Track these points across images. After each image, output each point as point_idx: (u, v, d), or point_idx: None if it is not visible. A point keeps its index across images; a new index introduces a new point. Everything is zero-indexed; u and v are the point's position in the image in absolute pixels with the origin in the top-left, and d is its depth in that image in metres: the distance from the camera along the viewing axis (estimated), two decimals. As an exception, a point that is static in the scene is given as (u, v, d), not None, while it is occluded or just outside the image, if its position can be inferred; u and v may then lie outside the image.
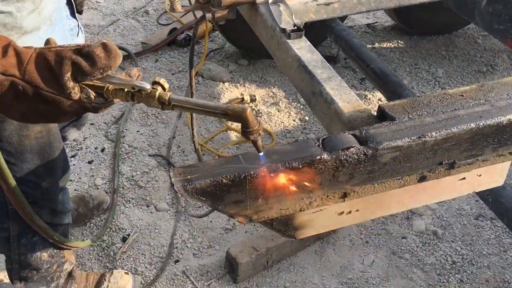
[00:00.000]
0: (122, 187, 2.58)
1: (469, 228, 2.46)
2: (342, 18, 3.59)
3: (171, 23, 3.84)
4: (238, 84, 3.32)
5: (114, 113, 3.06)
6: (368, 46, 3.78)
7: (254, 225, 2.42)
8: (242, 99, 3.15)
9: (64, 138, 1.93)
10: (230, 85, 3.31)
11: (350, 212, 1.15)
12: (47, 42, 0.92)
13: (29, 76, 0.84)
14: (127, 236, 2.34)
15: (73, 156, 2.76)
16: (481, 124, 1.07)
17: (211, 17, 1.63)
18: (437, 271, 2.25)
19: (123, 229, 2.38)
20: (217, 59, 3.56)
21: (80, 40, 1.54)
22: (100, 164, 2.72)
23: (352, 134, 1.05)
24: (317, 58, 1.35)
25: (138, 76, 0.98)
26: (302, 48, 1.39)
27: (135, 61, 3.43)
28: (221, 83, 3.32)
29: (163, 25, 3.90)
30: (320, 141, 1.03)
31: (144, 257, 2.27)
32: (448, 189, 1.21)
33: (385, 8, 1.78)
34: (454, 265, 2.27)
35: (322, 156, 0.99)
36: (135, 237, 2.34)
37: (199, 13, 1.80)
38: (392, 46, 3.79)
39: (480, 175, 1.21)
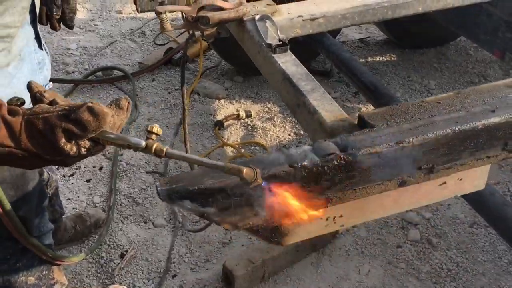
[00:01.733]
0: (120, 204, 2.62)
1: (464, 236, 2.48)
2: (335, 33, 3.67)
3: (167, 43, 3.91)
4: (234, 101, 3.37)
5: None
6: (361, 60, 3.84)
7: (250, 238, 2.45)
8: (238, 115, 3.20)
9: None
10: (226, 102, 3.36)
11: (334, 217, 1.19)
12: (29, 86, 0.95)
13: (25, 146, 0.88)
14: (125, 252, 2.37)
15: (71, 175, 2.80)
16: (457, 129, 1.11)
17: (200, 35, 1.68)
18: (432, 279, 2.27)
19: (121, 245, 2.41)
20: (213, 76, 3.62)
21: (47, 71, 1.55)
22: (98, 182, 2.77)
23: (333, 142, 1.10)
24: (302, 71, 1.40)
25: (127, 106, 0.97)
26: (287, 61, 1.44)
27: (132, 81, 3.49)
28: (217, 100, 3.38)
29: (160, 45, 3.97)
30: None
31: (142, 273, 2.29)
32: (430, 193, 1.24)
33: (369, 22, 1.83)
34: (449, 273, 2.29)
35: (303, 164, 1.03)
36: (132, 253, 2.37)
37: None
38: (385, 59, 3.85)
39: (460, 180, 1.25)
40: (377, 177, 1.11)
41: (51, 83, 1.64)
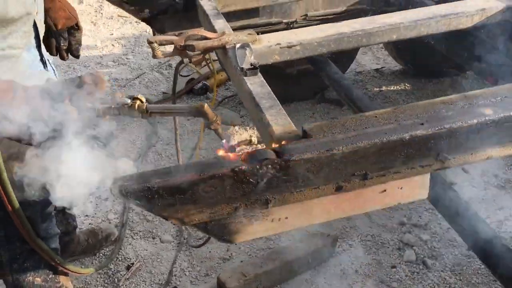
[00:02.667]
0: (132, 221, 2.81)
1: (460, 258, 2.51)
2: (348, 63, 3.81)
3: (190, 75, 4.17)
4: (248, 128, 3.55)
5: (132, 155, 3.34)
6: (375, 89, 3.96)
7: (250, 254, 2.58)
8: (250, 140, 3.35)
9: None
10: (240, 129, 3.55)
11: (279, 219, 1.32)
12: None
13: None
14: (131, 265, 2.54)
15: (91, 194, 3.02)
16: (385, 139, 1.23)
17: (188, 61, 1.88)
18: (423, 299, 2.31)
19: (128, 258, 2.59)
20: (231, 105, 3.83)
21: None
22: (114, 201, 2.98)
23: (272, 149, 1.24)
24: (265, 91, 1.56)
25: (121, 97, 1.23)
26: (255, 83, 1.61)
27: (154, 108, 3.74)
28: (232, 126, 3.56)
29: (184, 76, 4.22)
30: (243, 155, 1.22)
31: (145, 284, 2.45)
32: (371, 200, 1.35)
33: (345, 49, 1.97)
34: (440, 294, 2.33)
35: (241, 167, 1.18)
36: (138, 266, 2.54)
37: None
38: (399, 89, 3.94)
39: (401, 188, 1.35)
40: (312, 181, 1.24)
41: None
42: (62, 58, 1.93)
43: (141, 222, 2.82)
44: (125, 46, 4.86)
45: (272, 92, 1.55)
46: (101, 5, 5.63)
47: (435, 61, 3.70)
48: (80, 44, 1.94)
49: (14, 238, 1.75)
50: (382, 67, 4.19)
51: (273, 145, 1.26)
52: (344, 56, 3.71)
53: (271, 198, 1.23)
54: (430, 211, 2.81)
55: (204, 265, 2.55)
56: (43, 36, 1.83)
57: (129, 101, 1.29)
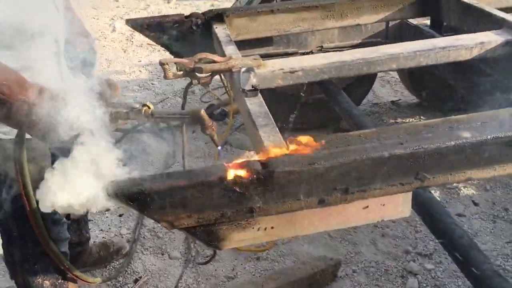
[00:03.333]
0: (143, 237, 2.92)
1: (463, 289, 2.51)
2: (362, 95, 3.90)
3: (210, 101, 4.32)
4: (262, 153, 3.64)
5: (149, 171, 3.47)
6: (390, 121, 4.02)
7: (254, 274, 2.64)
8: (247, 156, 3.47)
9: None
10: (255, 153, 3.64)
11: (265, 228, 1.40)
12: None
13: None
14: (139, 278, 2.63)
15: (107, 210, 3.16)
16: (364, 156, 1.31)
17: (196, 83, 2.01)
18: (421, 327, 2.31)
19: (136, 272, 2.68)
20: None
21: None
22: (128, 217, 3.10)
23: (259, 161, 1.33)
24: (262, 110, 1.66)
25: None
26: (254, 103, 1.72)
27: (173, 131, 3.88)
28: (247, 151, 3.65)
29: (205, 102, 4.39)
30: (230, 165, 1.32)
31: (151, 297, 2.54)
32: (355, 216, 1.42)
33: (345, 76, 2.07)
34: (439, 322, 2.33)
35: (227, 175, 1.27)
36: (145, 280, 2.63)
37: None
38: (414, 121, 3.99)
39: (383, 205, 1.42)
40: (295, 193, 1.32)
41: None
42: None
43: (152, 239, 2.92)
44: (151, 72, 5.08)
45: (268, 112, 1.65)
46: (132, 34, 5.91)
47: (449, 95, 3.75)
48: None
49: (27, 238, 1.86)
50: (398, 100, 4.26)
51: (261, 158, 1.35)
52: (359, 87, 3.81)
53: (256, 208, 1.32)
54: (436, 241, 2.82)
55: (209, 282, 2.62)
56: None
57: (137, 105, 1.45)
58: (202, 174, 1.28)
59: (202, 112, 1.37)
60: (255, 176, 1.28)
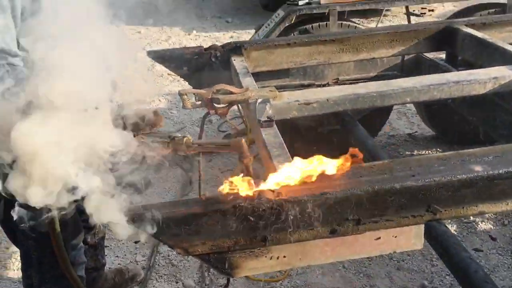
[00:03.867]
0: (158, 264, 2.94)
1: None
2: (379, 126, 3.93)
3: (228, 130, 4.38)
4: (278, 183, 3.66)
5: (165, 198, 3.51)
6: (406, 153, 4.02)
7: (266, 304, 2.63)
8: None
9: None
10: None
11: (278, 257, 1.42)
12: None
13: None
14: (152, 306, 2.65)
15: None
16: (376, 187, 1.33)
17: (213, 113, 2.06)
18: None
19: (151, 300, 2.70)
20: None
21: None
22: (144, 245, 3.12)
23: (272, 190, 1.36)
24: (277, 141, 1.70)
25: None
26: (269, 134, 1.76)
27: (191, 161, 3.94)
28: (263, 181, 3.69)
29: (222, 131, 4.45)
30: (245, 194, 1.35)
31: (164, 325, 2.54)
32: (367, 246, 1.43)
33: (360, 108, 2.10)
34: None
35: (240, 204, 1.30)
36: (159, 307, 2.64)
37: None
38: (430, 153, 3.98)
39: (395, 237, 1.43)
40: (307, 222, 1.34)
41: None
42: None
43: (167, 266, 2.93)
44: (170, 101, 5.18)
45: (283, 143, 1.69)
46: (153, 64, 6.05)
47: (465, 128, 3.74)
48: None
49: (45, 262, 1.90)
50: (415, 132, 4.27)
51: (274, 187, 1.38)
52: (375, 119, 3.84)
53: (269, 236, 1.34)
54: (452, 276, 2.78)
55: (222, 311, 2.62)
56: None
57: (178, 134, 1.51)
58: (217, 202, 1.32)
59: (243, 142, 1.42)
60: (268, 205, 1.31)
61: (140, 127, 1.45)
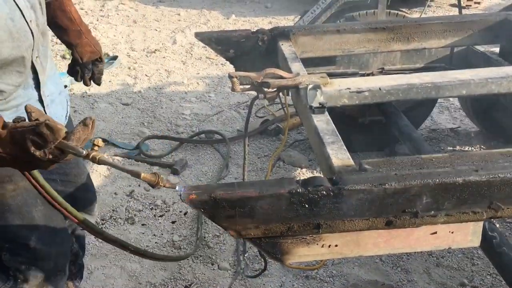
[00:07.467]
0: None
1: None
2: (422, 119, 3.84)
3: (266, 116, 4.36)
4: (315, 171, 3.64)
5: (202, 181, 3.53)
6: (448, 148, 3.92)
7: (301, 292, 2.62)
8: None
9: None
10: (307, 171, 3.64)
11: (329, 246, 1.39)
12: (25, 108, 1.27)
13: (9, 151, 1.22)
14: (189, 285, 2.66)
15: (161, 216, 3.23)
16: (437, 180, 1.29)
17: (262, 97, 2.04)
18: None
19: (187, 280, 2.72)
20: (301, 148, 3.95)
21: None
22: (181, 225, 3.15)
23: (328, 178, 1.34)
24: (329, 128, 1.67)
25: (92, 124, 1.23)
26: (321, 120, 1.73)
27: (228, 145, 3.94)
28: (299, 168, 3.67)
29: (260, 117, 4.43)
30: (301, 180, 1.33)
31: (199, 305, 2.56)
32: (422, 240, 1.39)
33: (413, 98, 2.04)
34: None
35: (296, 190, 1.28)
36: (196, 287, 2.65)
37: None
38: (473, 150, 3.88)
39: (452, 232, 1.39)
40: (363, 212, 1.31)
41: None
42: (86, 84, 2.13)
43: (203, 248, 2.95)
44: (208, 85, 5.18)
45: (336, 130, 1.66)
46: (191, 47, 6.06)
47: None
48: (101, 74, 2.13)
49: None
50: (457, 127, 4.16)
51: (329, 175, 1.35)
52: (419, 112, 3.75)
53: (323, 223, 1.32)
54: (493, 276, 2.72)
55: (256, 296, 2.62)
56: (69, 65, 2.07)
57: (84, 152, 1.23)
58: (273, 186, 1.30)
59: (142, 176, 1.21)
60: (324, 192, 1.28)
61: (41, 145, 1.18)
